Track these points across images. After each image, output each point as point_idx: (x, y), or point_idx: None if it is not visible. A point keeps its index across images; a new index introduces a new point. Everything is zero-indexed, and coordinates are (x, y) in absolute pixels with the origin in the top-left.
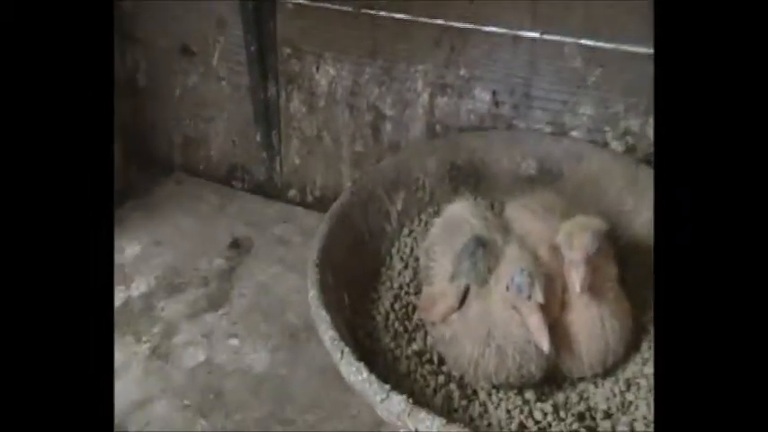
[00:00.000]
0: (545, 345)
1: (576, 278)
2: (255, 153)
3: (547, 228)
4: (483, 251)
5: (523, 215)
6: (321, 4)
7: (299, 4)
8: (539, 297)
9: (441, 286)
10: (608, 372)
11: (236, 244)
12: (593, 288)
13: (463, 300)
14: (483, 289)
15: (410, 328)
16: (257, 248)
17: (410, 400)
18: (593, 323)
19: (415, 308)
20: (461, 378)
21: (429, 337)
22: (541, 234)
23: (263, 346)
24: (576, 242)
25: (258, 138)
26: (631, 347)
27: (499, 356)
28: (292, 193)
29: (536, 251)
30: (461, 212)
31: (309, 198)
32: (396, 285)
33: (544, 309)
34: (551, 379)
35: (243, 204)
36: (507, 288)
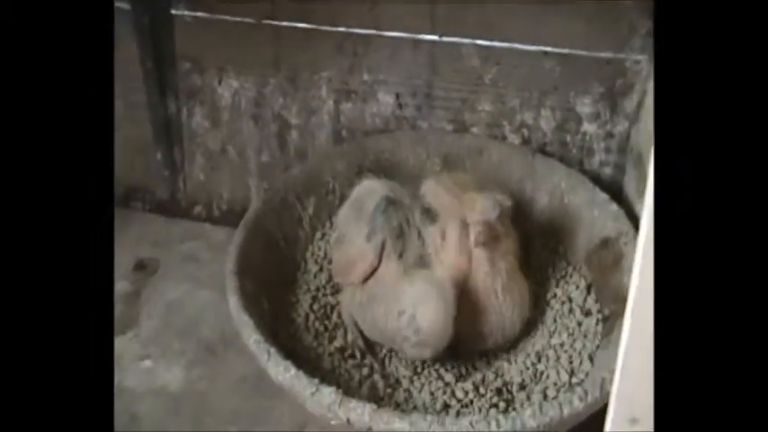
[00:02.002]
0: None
1: (472, 233)
2: (156, 172)
3: (455, 200)
4: (394, 208)
5: (436, 190)
6: (221, 17)
7: (198, 17)
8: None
9: (358, 248)
10: (519, 346)
11: (140, 265)
12: (490, 256)
13: (381, 256)
14: (398, 248)
15: (330, 326)
16: (164, 268)
17: (340, 391)
18: (489, 294)
19: (333, 308)
20: (383, 367)
21: (344, 313)
22: (453, 209)
23: (177, 364)
24: (477, 207)
25: (159, 156)
26: (531, 322)
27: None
28: (198, 209)
29: (445, 226)
30: (367, 187)
31: (216, 213)
32: (313, 288)
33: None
34: (467, 358)
35: (145, 225)
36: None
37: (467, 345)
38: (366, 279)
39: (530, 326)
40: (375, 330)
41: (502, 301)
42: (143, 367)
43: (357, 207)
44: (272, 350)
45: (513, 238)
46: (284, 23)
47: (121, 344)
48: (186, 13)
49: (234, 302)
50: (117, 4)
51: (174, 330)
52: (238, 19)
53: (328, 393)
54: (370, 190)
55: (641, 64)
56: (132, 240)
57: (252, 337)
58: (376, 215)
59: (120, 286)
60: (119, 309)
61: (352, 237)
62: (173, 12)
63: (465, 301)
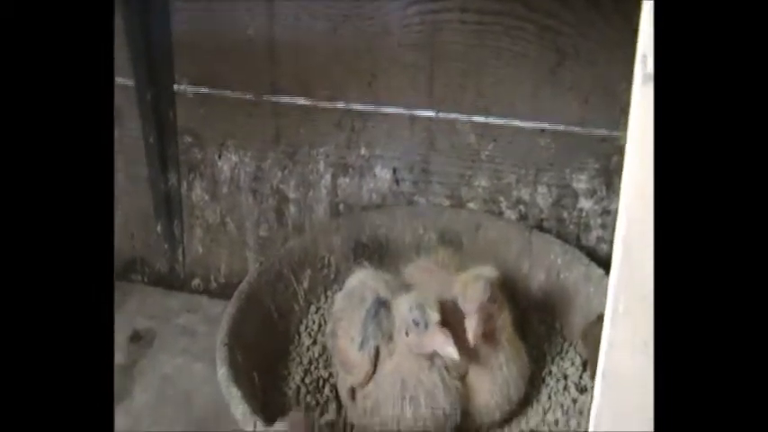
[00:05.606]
0: (453, 353)
1: (469, 328)
2: (156, 245)
3: (442, 283)
4: (384, 310)
5: (420, 274)
6: (222, 93)
7: (199, 92)
8: (435, 318)
9: (352, 356)
10: (513, 423)
11: (136, 337)
12: (489, 336)
13: (376, 363)
14: (391, 347)
15: (321, 400)
16: (160, 341)
17: None
18: (494, 371)
19: (325, 381)
20: None
21: (349, 413)
22: (437, 289)
23: None
24: (468, 292)
25: (159, 229)
26: (531, 391)
27: (414, 406)
28: (196, 282)
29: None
30: (361, 281)
31: (214, 286)
32: (305, 361)
33: (446, 328)
34: None
35: (144, 298)
36: (407, 333)
37: (473, 419)
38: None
39: (524, 403)
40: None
41: (506, 374)
42: None
43: (350, 300)
44: (259, 422)
45: (506, 307)
46: (284, 100)
47: (114, 416)
48: (188, 88)
49: (223, 374)
50: (121, 80)
51: (167, 404)
52: (239, 95)
53: None
54: (365, 285)
55: None
56: (130, 312)
57: (239, 409)
58: (367, 322)
59: (116, 358)
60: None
61: (345, 336)
62: (175, 88)
63: (469, 378)
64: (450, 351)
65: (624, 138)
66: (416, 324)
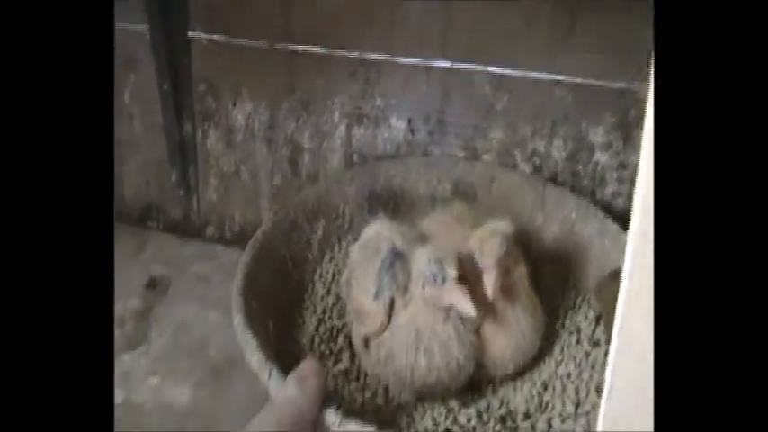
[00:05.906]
0: (470, 310)
1: (487, 284)
2: (171, 192)
3: (458, 237)
4: (400, 262)
5: (436, 227)
6: (236, 41)
7: (214, 40)
8: (452, 273)
9: (367, 305)
10: (525, 375)
11: (152, 284)
12: (506, 290)
13: (390, 313)
14: (407, 298)
15: (335, 349)
16: (175, 287)
17: (340, 412)
18: (509, 324)
19: (339, 330)
20: (387, 392)
21: (363, 362)
22: (454, 244)
23: (184, 382)
24: (486, 248)
25: (173, 176)
26: (544, 344)
27: (428, 357)
28: (210, 230)
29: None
30: (377, 231)
31: (228, 234)
32: (319, 310)
33: (463, 283)
34: (475, 386)
35: (159, 244)
36: (424, 286)
37: (487, 371)
38: (378, 335)
39: (537, 356)
40: (399, 382)
41: (522, 328)
42: (151, 384)
43: (366, 250)
44: (274, 370)
45: (521, 261)
46: (299, 48)
47: (131, 359)
48: (203, 36)
49: (238, 321)
50: (135, 27)
51: (182, 349)
52: (253, 43)
53: (329, 414)
54: (381, 236)
55: None
56: (146, 259)
57: (254, 356)
58: (383, 272)
59: (133, 303)
60: (129, 325)
61: (360, 287)
62: (189, 35)
63: (484, 332)
64: (467, 308)
65: (643, 90)
66: (434, 278)
